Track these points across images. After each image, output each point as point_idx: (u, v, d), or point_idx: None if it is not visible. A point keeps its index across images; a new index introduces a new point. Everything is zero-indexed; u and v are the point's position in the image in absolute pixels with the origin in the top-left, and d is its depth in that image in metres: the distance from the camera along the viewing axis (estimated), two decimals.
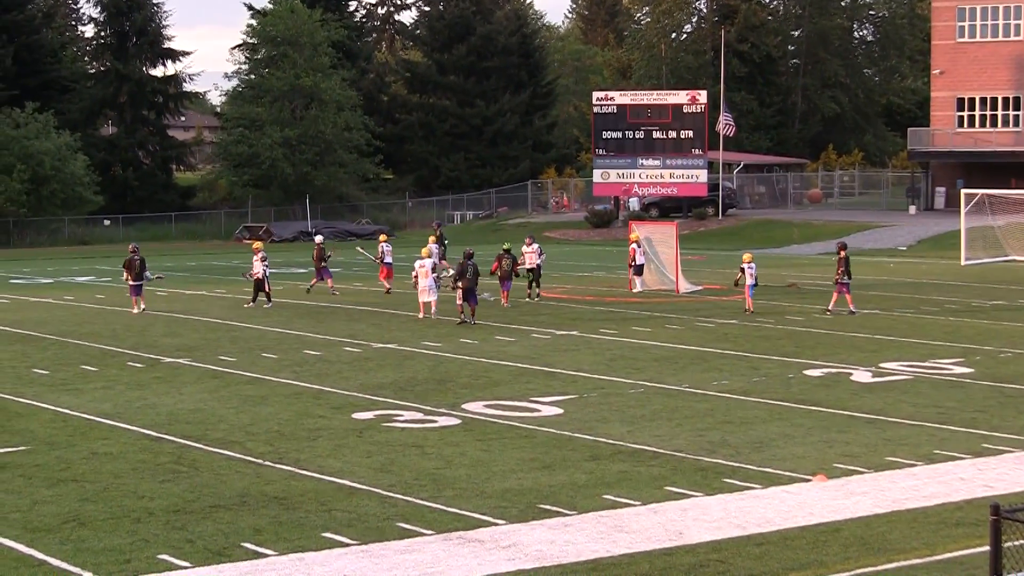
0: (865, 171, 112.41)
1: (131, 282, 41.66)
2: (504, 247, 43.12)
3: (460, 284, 37.86)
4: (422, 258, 38.83)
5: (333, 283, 47.87)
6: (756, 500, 17.79)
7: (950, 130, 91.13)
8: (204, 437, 21.87)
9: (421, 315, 38.57)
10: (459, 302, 37.99)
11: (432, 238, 55.64)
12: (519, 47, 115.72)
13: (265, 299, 42.88)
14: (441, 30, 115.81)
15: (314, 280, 48.12)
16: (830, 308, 40.53)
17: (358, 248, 60.35)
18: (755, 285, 41.16)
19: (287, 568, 14.77)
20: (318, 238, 50.55)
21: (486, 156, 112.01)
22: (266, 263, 43.03)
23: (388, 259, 48.59)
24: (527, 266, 44.40)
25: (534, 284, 44.87)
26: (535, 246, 45.12)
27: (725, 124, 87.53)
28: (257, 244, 44.88)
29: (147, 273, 42.21)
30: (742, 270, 40.90)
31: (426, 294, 38.73)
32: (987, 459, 20.31)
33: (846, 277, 40.16)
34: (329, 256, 48.62)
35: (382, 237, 44.75)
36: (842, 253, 40.35)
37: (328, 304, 43.75)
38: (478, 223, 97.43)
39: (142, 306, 41.48)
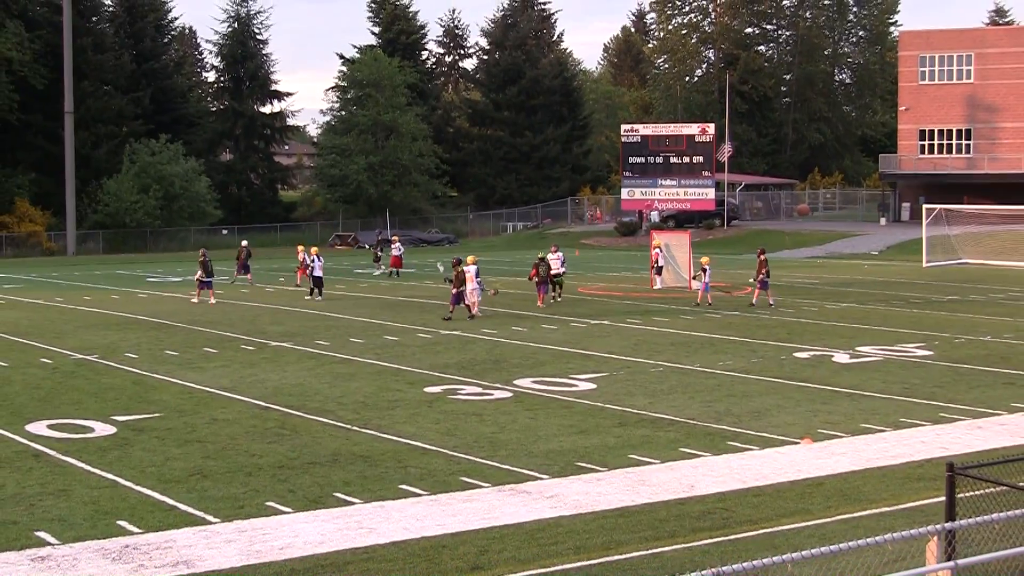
0: (844, 190, 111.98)
1: (203, 279, 42.10)
2: (540, 256, 41.46)
3: (454, 287, 36.66)
4: (468, 265, 37.14)
5: (252, 278, 49.32)
6: (754, 459, 17.71)
7: (914, 156, 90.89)
8: (303, 407, 21.93)
9: (474, 311, 37.31)
10: (456, 303, 36.80)
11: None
12: (560, 88, 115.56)
13: (317, 292, 43.08)
14: (497, 74, 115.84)
15: (236, 273, 50.17)
16: (753, 302, 40.09)
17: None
18: (708, 284, 40.73)
19: (370, 514, 14.78)
20: (244, 242, 51.65)
21: (533, 177, 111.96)
22: (310, 262, 43.51)
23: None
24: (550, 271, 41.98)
25: (555, 288, 42.14)
26: (559, 254, 43.65)
27: (725, 150, 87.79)
28: (314, 248, 45.44)
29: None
30: (704, 270, 40.62)
31: (470, 296, 36.90)
32: (944, 426, 20.15)
33: (766, 277, 39.77)
34: (249, 258, 50.50)
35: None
36: (762, 256, 39.90)
37: (405, 299, 43.80)
38: (527, 232, 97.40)
39: (212, 300, 41.93)
